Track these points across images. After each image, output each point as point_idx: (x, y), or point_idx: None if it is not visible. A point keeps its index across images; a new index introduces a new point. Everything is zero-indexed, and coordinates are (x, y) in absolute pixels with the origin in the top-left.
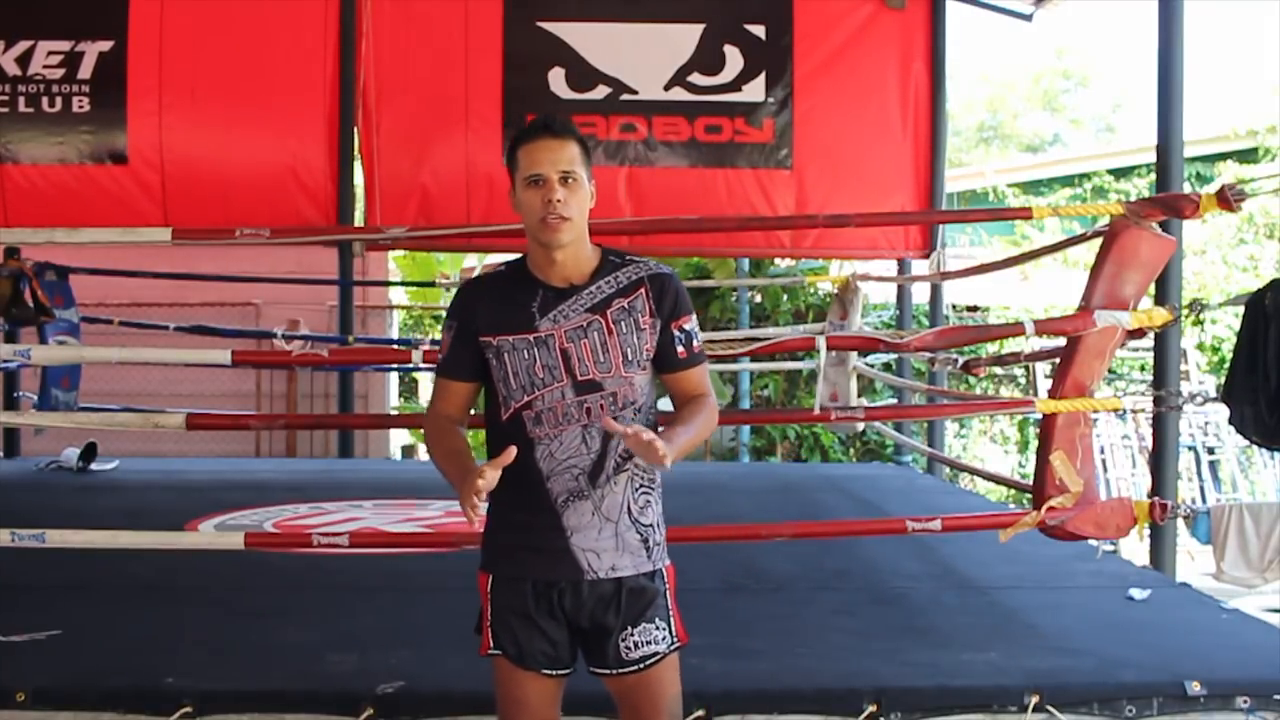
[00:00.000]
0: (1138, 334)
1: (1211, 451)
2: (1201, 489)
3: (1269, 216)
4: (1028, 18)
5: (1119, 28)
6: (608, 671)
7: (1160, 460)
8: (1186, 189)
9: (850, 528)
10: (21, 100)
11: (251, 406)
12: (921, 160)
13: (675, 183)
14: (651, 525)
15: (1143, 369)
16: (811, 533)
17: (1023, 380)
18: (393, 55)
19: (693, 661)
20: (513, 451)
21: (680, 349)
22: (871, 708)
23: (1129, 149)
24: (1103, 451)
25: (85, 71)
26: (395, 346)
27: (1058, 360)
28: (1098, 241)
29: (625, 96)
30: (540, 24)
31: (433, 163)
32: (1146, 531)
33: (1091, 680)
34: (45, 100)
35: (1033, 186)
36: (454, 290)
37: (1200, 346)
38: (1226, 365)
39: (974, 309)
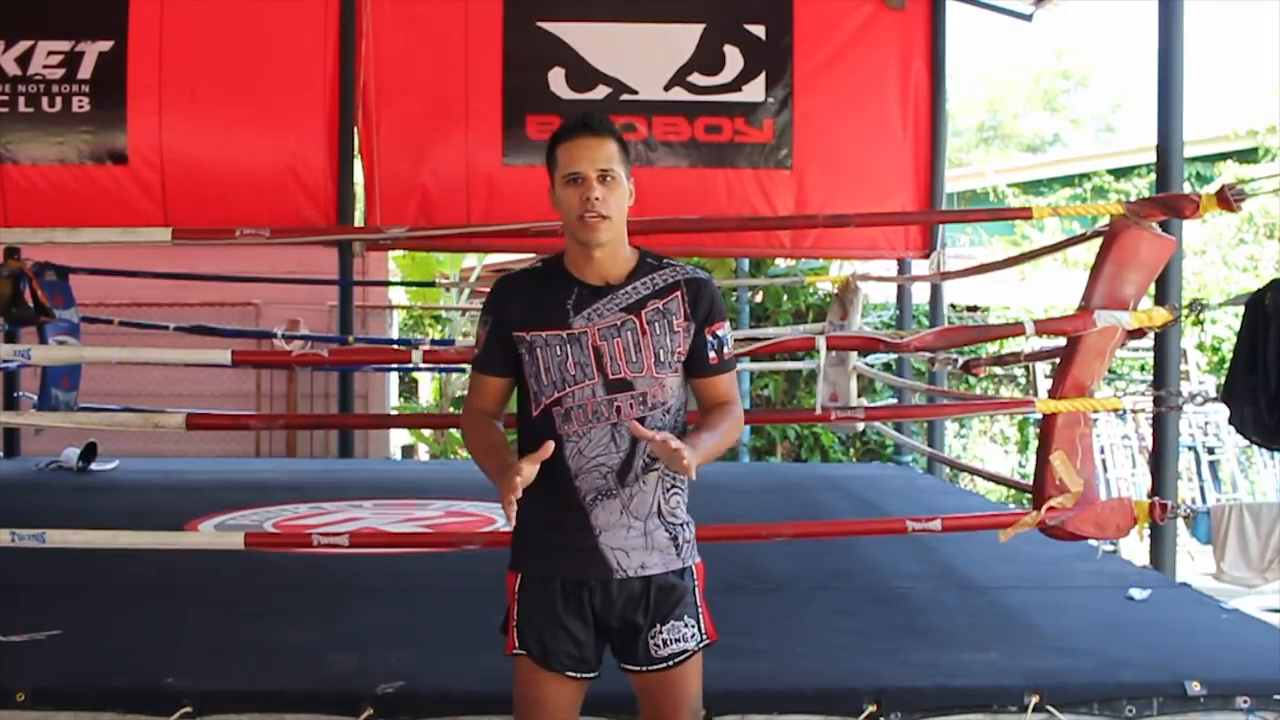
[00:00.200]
0: (1138, 334)
1: (1211, 451)
2: (1201, 489)
3: (1269, 216)
4: (1028, 18)
5: (1118, 28)
6: (636, 668)
7: (1160, 460)
8: (1186, 189)
9: (850, 528)
10: (21, 100)
11: (251, 406)
12: (921, 160)
13: (675, 183)
14: (681, 523)
15: (1143, 369)
16: (811, 533)
17: (1023, 380)
18: (393, 55)
19: None
20: (550, 446)
21: (712, 354)
22: (871, 708)
23: (1129, 149)
24: (1103, 451)
25: (85, 71)
26: (395, 346)
27: (1057, 360)
28: (1097, 241)
29: (625, 97)
30: (540, 24)
31: (433, 163)
32: (1146, 532)
33: (1091, 680)
34: (45, 100)
35: (1033, 186)
36: (452, 290)
37: (1200, 346)
38: (1226, 365)
39: (974, 309)
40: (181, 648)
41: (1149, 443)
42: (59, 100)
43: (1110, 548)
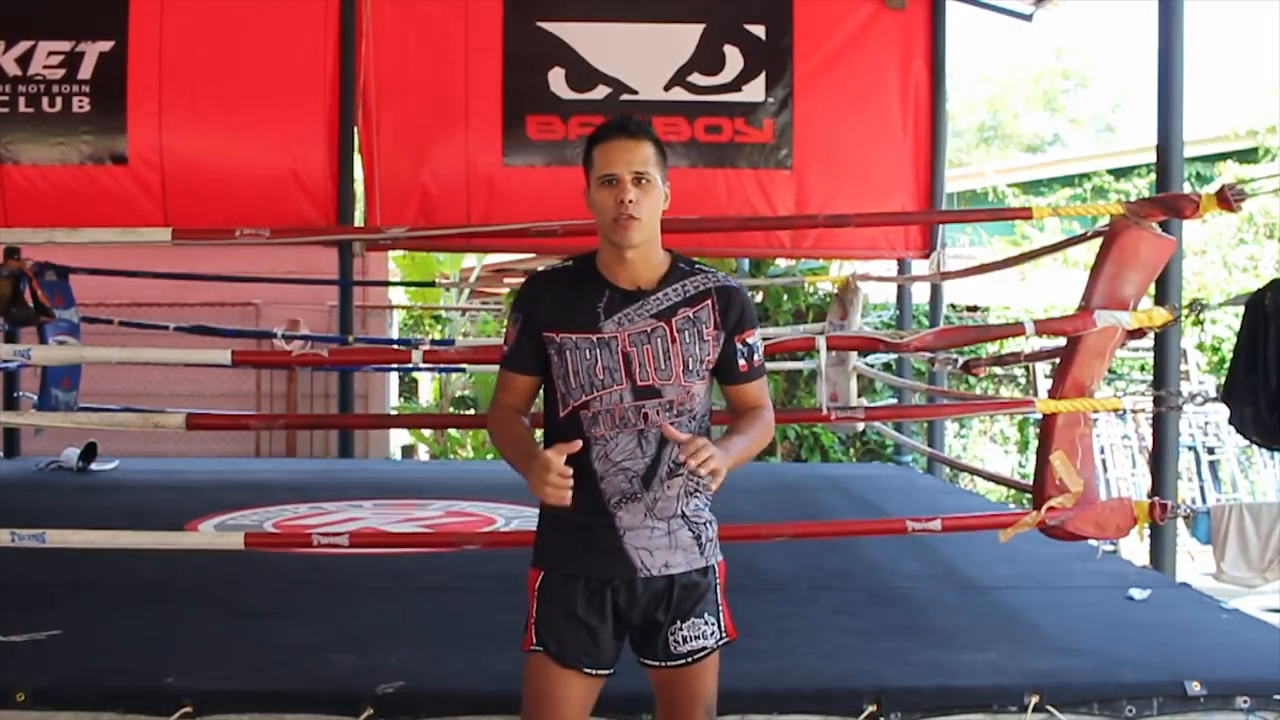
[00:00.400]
0: (1138, 334)
1: (1211, 451)
2: (1201, 489)
3: (1269, 216)
4: (1028, 18)
5: (1118, 28)
6: (655, 663)
7: (1160, 460)
8: (1186, 189)
9: (850, 528)
10: (22, 100)
11: (251, 406)
12: (921, 160)
13: (675, 183)
14: (705, 521)
15: (1143, 369)
16: (811, 533)
17: (1023, 380)
18: (393, 55)
19: None
20: (578, 444)
21: (743, 362)
22: (872, 708)
23: (1129, 149)
24: (1103, 451)
25: (85, 72)
26: (395, 346)
27: (1058, 360)
28: (1097, 241)
29: (625, 97)
30: (540, 24)
31: (433, 163)
32: (1146, 532)
33: (1091, 680)
34: (45, 100)
35: (1033, 186)
36: (452, 290)
37: (1200, 346)
38: (1226, 365)
39: (973, 309)
40: (181, 648)
41: (1149, 443)
42: (59, 100)
43: (1110, 548)
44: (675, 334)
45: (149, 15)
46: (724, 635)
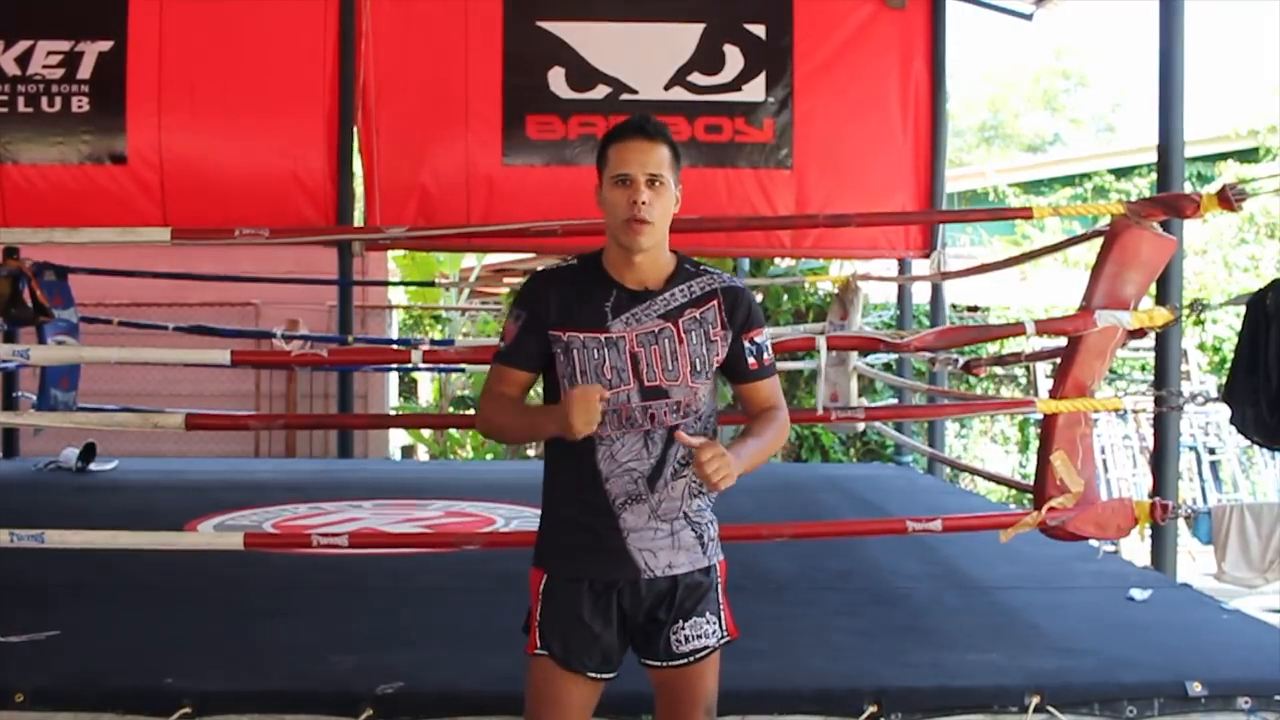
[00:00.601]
0: (1138, 334)
1: (1212, 452)
2: (1203, 489)
3: (1270, 216)
4: (1028, 17)
5: (1117, 27)
6: (656, 663)
7: (1161, 460)
8: (1187, 189)
9: (851, 528)
10: (21, 100)
11: (251, 407)
12: (922, 160)
13: None
14: (707, 521)
15: (1144, 369)
16: (812, 533)
17: (1023, 380)
18: (392, 55)
19: None
20: (606, 394)
21: (751, 360)
22: (872, 708)
23: (1130, 149)
24: (1103, 452)
25: (85, 71)
26: (395, 346)
27: (1058, 360)
28: (1098, 241)
29: (625, 96)
30: (540, 24)
31: (432, 162)
32: (1147, 532)
33: (1092, 681)
34: (45, 100)
35: (1034, 186)
36: (452, 290)
37: (1201, 346)
38: (1227, 365)
39: (974, 309)
40: (181, 648)
41: (1150, 443)
42: (58, 100)
43: (1111, 548)
44: (682, 335)
45: (148, 15)
46: (725, 634)
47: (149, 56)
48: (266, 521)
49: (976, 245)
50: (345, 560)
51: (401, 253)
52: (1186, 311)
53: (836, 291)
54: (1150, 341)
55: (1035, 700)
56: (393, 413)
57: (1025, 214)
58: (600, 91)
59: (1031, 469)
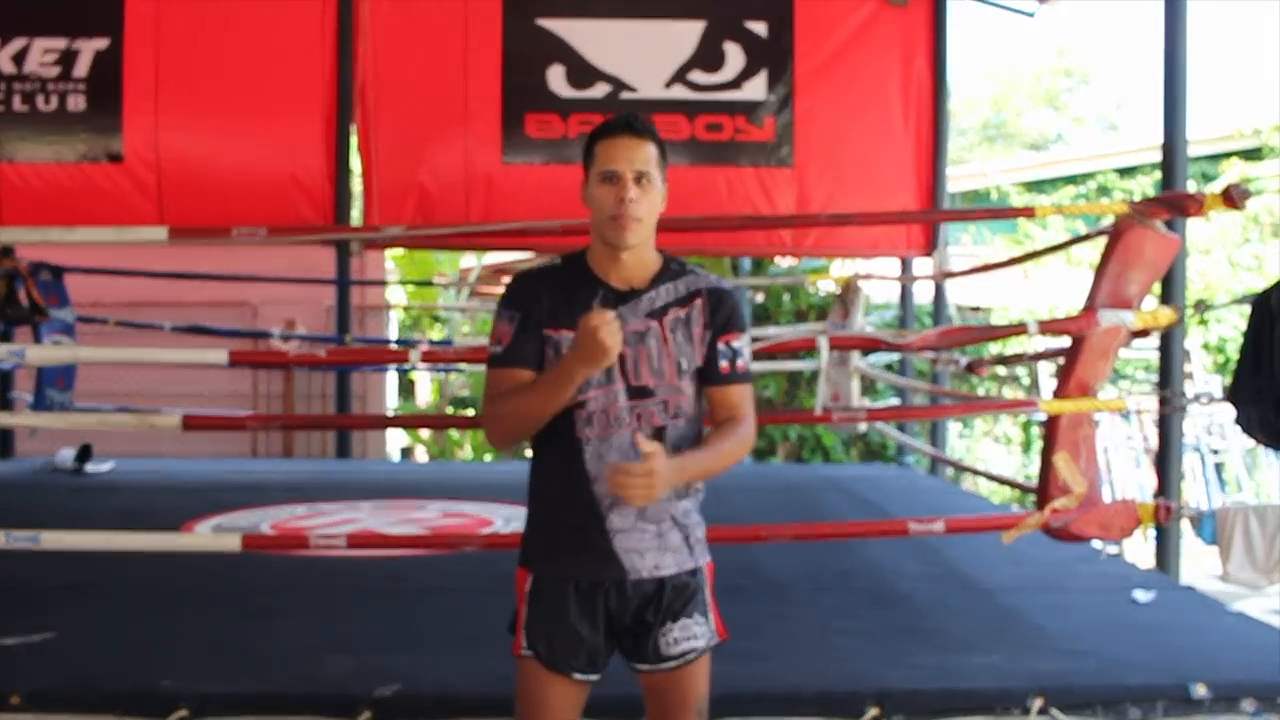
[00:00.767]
0: (1142, 334)
1: (1216, 453)
2: (1207, 491)
3: (1274, 215)
4: (1030, 14)
5: (1120, 25)
6: (646, 666)
7: (1165, 461)
8: (1191, 188)
9: (853, 529)
10: (17, 99)
11: (248, 407)
12: (923, 158)
13: (676, 181)
14: (693, 524)
15: (1147, 369)
16: (813, 534)
17: (1026, 381)
18: (391, 53)
19: None
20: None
21: (724, 363)
22: (874, 710)
23: (1133, 148)
24: (1106, 452)
25: (81, 70)
26: (393, 346)
27: (1062, 360)
28: (1101, 240)
29: (625, 95)
30: (539, 22)
31: (431, 161)
32: (1151, 534)
33: (1096, 683)
34: (41, 99)
35: (1036, 185)
36: (450, 289)
37: (1205, 346)
38: (1232, 366)
39: (974, 310)
40: (178, 650)
41: (1153, 443)
42: (54, 99)
43: (1114, 550)
44: (667, 334)
45: (145, 12)
46: (714, 636)
47: (146, 55)
48: (264, 522)
49: (979, 244)
50: (343, 561)
51: (400, 252)
52: (1190, 311)
53: (838, 291)
54: (1154, 341)
55: (1038, 703)
56: (391, 413)
57: (1028, 213)
58: (600, 90)
59: (1034, 470)
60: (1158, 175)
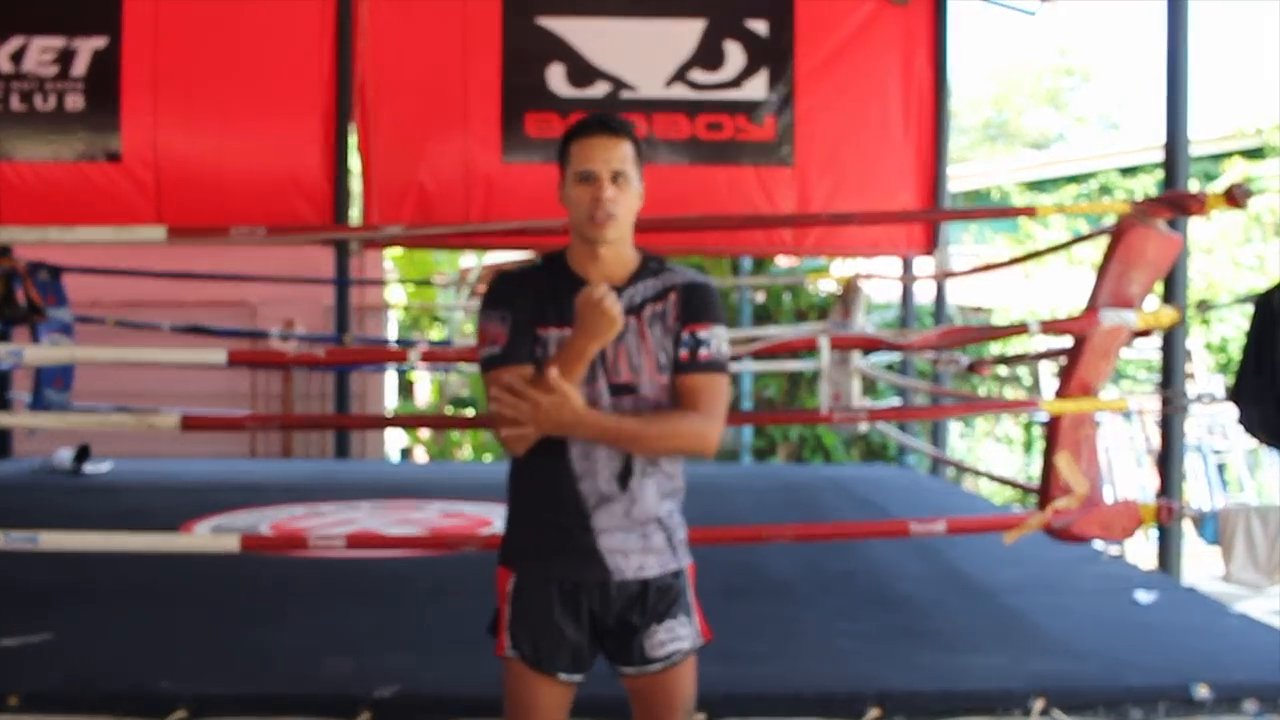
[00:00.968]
0: (1144, 333)
1: (1218, 453)
2: (1210, 491)
3: (1276, 215)
4: (1031, 13)
5: (1121, 23)
6: (631, 669)
7: (1167, 462)
8: (1193, 187)
9: (853, 530)
10: (15, 97)
11: (247, 407)
12: (924, 158)
13: (676, 181)
14: (675, 524)
15: (1149, 369)
16: (814, 535)
17: (1028, 381)
18: (390, 52)
19: None
20: (604, 290)
21: (683, 351)
22: (875, 711)
23: (1135, 147)
24: (1108, 453)
25: (79, 69)
26: (392, 346)
27: (1063, 360)
28: (1103, 240)
29: (625, 94)
30: (539, 20)
31: (430, 161)
32: (1154, 534)
33: (1097, 684)
34: (39, 98)
35: (1038, 185)
36: (450, 289)
37: (1208, 346)
38: (1234, 365)
39: (976, 310)
40: (177, 651)
41: (1155, 444)
42: (53, 98)
43: (1116, 550)
44: (645, 330)
45: (143, 11)
46: (699, 637)
47: (144, 54)
48: (263, 523)
49: (980, 244)
50: (342, 562)
51: (399, 251)
52: (1193, 311)
53: (839, 291)
54: (1156, 341)
55: (1039, 704)
56: (390, 413)
57: (1029, 212)
58: (600, 89)
59: (1036, 470)
60: (1160, 174)
